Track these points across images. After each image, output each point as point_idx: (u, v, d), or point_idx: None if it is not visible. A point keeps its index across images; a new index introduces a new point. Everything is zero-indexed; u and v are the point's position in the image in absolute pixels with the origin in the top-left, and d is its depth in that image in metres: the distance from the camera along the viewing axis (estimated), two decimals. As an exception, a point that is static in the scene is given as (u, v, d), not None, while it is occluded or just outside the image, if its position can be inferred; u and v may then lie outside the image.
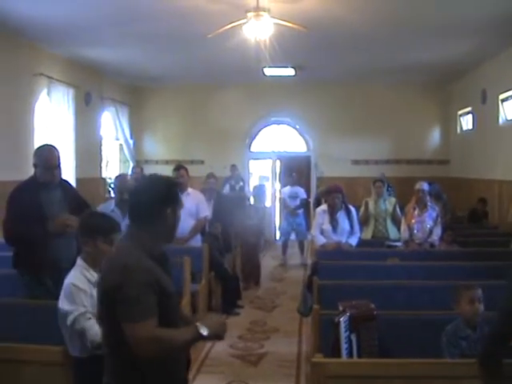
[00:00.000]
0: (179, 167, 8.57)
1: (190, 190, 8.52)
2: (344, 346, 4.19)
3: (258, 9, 8.44)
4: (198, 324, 2.98)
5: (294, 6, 8.97)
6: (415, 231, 8.60)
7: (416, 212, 8.63)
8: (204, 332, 2.93)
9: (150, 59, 13.69)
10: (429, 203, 8.71)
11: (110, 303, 2.85)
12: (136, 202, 3.11)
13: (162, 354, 2.87)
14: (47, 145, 5.85)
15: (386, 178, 12.42)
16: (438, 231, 8.56)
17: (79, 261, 4.02)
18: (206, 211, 8.65)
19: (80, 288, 3.85)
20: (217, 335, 3.05)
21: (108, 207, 6.84)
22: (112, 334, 2.93)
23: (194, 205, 8.38)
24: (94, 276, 3.95)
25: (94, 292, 3.90)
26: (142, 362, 2.85)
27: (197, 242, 8.53)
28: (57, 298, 5.05)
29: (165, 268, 3.07)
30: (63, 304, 3.84)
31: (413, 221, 8.61)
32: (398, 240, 8.92)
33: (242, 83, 16.36)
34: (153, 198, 3.06)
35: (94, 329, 3.79)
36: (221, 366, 6.82)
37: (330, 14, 9.48)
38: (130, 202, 3.17)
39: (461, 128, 16.28)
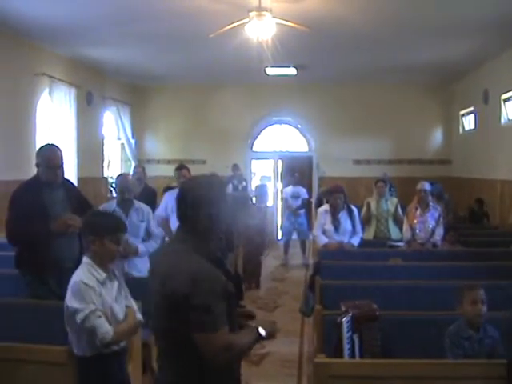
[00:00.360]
0: (181, 167, 8.54)
1: (192, 189, 8.50)
2: (346, 346, 4.19)
3: (260, 8, 8.45)
4: (256, 325, 3.08)
5: (296, 5, 8.97)
6: (417, 231, 8.57)
7: (418, 212, 8.61)
8: (263, 333, 3.03)
9: (152, 59, 13.71)
10: (431, 203, 8.68)
11: (177, 312, 2.81)
12: (188, 207, 3.02)
13: (234, 360, 2.98)
14: (50, 144, 5.85)
15: (389, 178, 12.43)
16: (440, 231, 8.54)
17: (86, 259, 4.00)
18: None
19: (89, 286, 3.83)
20: (271, 335, 3.12)
21: (110, 207, 6.82)
22: (177, 341, 2.90)
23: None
24: (101, 275, 3.94)
25: (103, 291, 3.91)
26: (214, 368, 2.85)
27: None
28: (59, 297, 5.06)
29: (222, 269, 3.06)
30: (72, 302, 3.81)
31: (415, 221, 8.58)
32: (400, 240, 8.91)
33: (243, 83, 16.38)
34: (204, 201, 3.00)
35: (105, 327, 3.79)
36: (223, 365, 6.80)
37: (332, 14, 9.49)
38: (180, 207, 3.07)
39: (463, 128, 16.28)
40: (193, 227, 3.01)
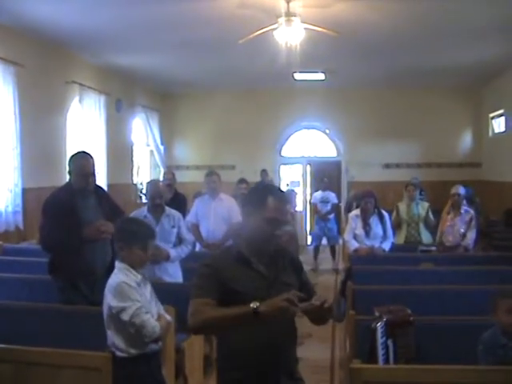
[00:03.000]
0: (211, 173, 8.58)
1: (222, 195, 8.52)
2: (381, 351, 4.16)
3: (288, 14, 8.44)
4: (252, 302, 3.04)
5: (325, 10, 8.95)
6: (446, 234, 8.55)
7: (450, 216, 8.57)
8: (254, 305, 2.95)
9: (181, 66, 13.76)
10: (464, 207, 8.62)
11: None
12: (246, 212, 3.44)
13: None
14: (82, 152, 5.89)
15: (419, 182, 12.35)
16: (472, 235, 8.45)
17: (119, 264, 4.07)
18: (239, 216, 8.62)
19: (131, 286, 3.91)
20: (276, 308, 2.95)
21: (141, 213, 6.84)
22: None
23: (226, 210, 8.38)
24: (137, 277, 4.01)
25: (143, 291, 3.98)
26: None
27: (229, 247, 8.52)
28: (91, 303, 5.13)
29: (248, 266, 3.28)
30: (115, 302, 3.88)
31: (447, 223, 8.56)
32: (432, 245, 8.86)
33: (272, 88, 16.38)
34: (249, 205, 3.37)
35: (153, 322, 3.93)
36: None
37: (360, 19, 9.46)
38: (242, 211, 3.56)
39: (492, 131, 16.12)
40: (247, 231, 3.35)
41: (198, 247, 8.52)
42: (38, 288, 6.29)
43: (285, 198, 3.38)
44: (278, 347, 3.20)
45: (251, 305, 2.94)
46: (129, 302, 3.87)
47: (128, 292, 3.90)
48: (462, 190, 8.64)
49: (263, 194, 3.29)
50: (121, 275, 3.99)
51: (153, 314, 4.03)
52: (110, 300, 3.94)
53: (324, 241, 13.91)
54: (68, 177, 5.70)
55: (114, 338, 3.97)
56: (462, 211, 8.55)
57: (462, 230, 8.46)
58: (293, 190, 14.33)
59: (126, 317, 3.85)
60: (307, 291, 3.30)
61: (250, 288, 3.16)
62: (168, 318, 4.25)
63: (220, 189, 8.51)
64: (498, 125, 15.61)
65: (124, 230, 4.20)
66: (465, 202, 8.76)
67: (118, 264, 4.10)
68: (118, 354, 3.95)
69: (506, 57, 12.52)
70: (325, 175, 15.34)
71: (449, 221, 8.55)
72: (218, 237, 8.29)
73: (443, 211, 8.78)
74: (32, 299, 5.86)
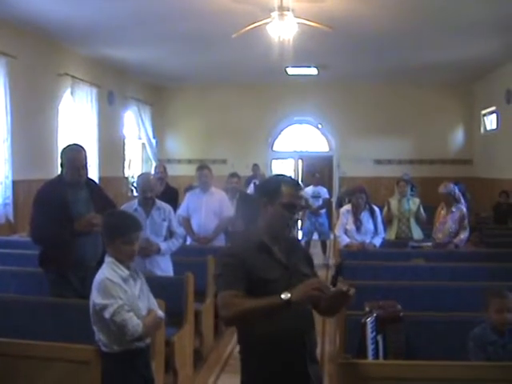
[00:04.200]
0: (203, 167, 8.55)
1: (213, 189, 8.50)
2: (370, 346, 4.16)
3: (281, 8, 8.43)
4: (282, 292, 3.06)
5: (318, 5, 8.96)
6: (437, 231, 8.55)
7: (443, 213, 8.57)
8: (285, 296, 2.98)
9: (173, 59, 13.73)
10: (457, 204, 8.56)
11: None
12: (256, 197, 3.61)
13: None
14: (74, 144, 5.86)
15: (410, 178, 12.36)
16: (464, 235, 8.31)
17: (107, 258, 4.04)
18: (230, 210, 8.62)
19: (114, 282, 3.87)
20: (307, 296, 3.02)
21: (131, 206, 6.81)
22: None
23: (217, 204, 8.37)
24: (124, 272, 3.97)
25: (126, 287, 3.94)
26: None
27: (220, 241, 8.50)
28: (82, 295, 5.10)
29: (290, 253, 3.40)
30: (98, 299, 3.84)
31: (440, 220, 8.57)
32: (422, 240, 8.87)
33: (264, 83, 16.38)
34: (264, 195, 3.43)
35: (134, 320, 3.85)
36: (244, 365, 6.77)
37: (353, 14, 9.46)
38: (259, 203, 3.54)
39: (484, 128, 16.16)
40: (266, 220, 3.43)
41: (188, 241, 8.51)
42: (28, 281, 6.28)
43: (297, 184, 3.49)
44: (302, 332, 3.30)
45: (282, 296, 2.99)
46: (111, 299, 3.82)
47: (111, 289, 3.85)
48: (443, 189, 8.48)
49: (277, 183, 3.40)
50: (106, 271, 3.95)
51: (140, 310, 3.99)
52: (94, 296, 3.90)
53: (315, 236, 13.89)
54: (60, 169, 5.67)
55: (98, 333, 3.95)
56: (454, 209, 8.48)
57: (452, 228, 8.41)
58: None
59: (107, 314, 3.81)
60: None
61: (273, 276, 3.24)
62: (160, 313, 4.20)
63: (211, 183, 8.49)
64: (490, 122, 15.64)
65: (106, 224, 4.17)
66: (461, 198, 8.69)
67: (106, 258, 4.06)
68: (103, 349, 3.93)
69: (497, 54, 12.55)
70: (316, 170, 15.35)
71: (441, 217, 8.54)
72: (209, 231, 8.29)
73: (439, 206, 8.75)
74: (22, 292, 5.85)
